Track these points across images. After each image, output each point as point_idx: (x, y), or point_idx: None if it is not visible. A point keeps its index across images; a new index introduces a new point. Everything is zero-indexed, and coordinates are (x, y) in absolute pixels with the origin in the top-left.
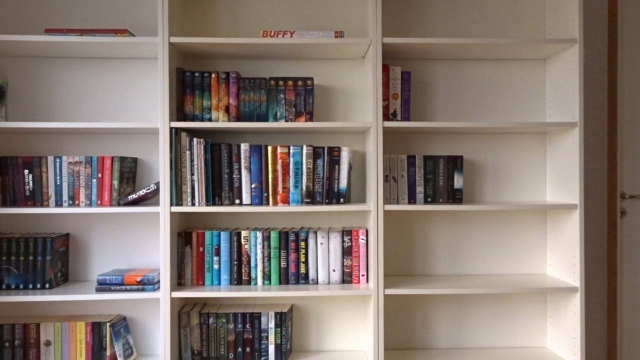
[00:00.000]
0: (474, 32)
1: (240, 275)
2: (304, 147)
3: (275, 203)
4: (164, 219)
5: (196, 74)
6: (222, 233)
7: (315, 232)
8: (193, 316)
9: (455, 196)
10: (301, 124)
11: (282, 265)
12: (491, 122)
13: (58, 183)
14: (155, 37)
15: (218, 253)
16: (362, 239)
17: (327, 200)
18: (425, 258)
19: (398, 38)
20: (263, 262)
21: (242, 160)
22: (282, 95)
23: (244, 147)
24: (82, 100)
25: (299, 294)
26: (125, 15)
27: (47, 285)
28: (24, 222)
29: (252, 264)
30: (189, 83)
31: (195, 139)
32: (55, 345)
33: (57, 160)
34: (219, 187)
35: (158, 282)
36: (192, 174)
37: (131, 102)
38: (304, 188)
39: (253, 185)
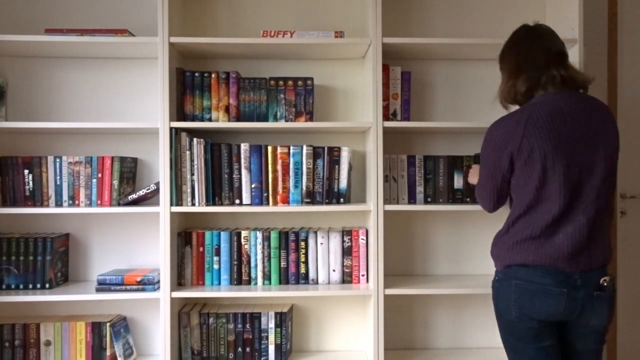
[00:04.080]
0: (474, 32)
1: (240, 275)
2: (304, 147)
3: (275, 203)
4: (164, 219)
5: (196, 74)
6: (222, 233)
7: (315, 232)
8: (193, 316)
9: (455, 196)
10: (301, 124)
11: (282, 265)
12: (491, 122)
13: (58, 183)
14: (155, 37)
15: (218, 253)
16: (362, 239)
17: (327, 200)
18: (425, 258)
19: (398, 38)
20: (263, 262)
21: (242, 160)
22: (282, 95)
23: (244, 147)
24: (82, 100)
25: (299, 294)
26: (125, 15)
27: (47, 285)
28: (24, 222)
29: (252, 264)
30: (189, 83)
31: (195, 139)
32: (55, 345)
33: (57, 160)
34: (219, 187)
35: (158, 282)
36: (192, 174)
37: (131, 102)
38: (304, 188)
39: (253, 185)
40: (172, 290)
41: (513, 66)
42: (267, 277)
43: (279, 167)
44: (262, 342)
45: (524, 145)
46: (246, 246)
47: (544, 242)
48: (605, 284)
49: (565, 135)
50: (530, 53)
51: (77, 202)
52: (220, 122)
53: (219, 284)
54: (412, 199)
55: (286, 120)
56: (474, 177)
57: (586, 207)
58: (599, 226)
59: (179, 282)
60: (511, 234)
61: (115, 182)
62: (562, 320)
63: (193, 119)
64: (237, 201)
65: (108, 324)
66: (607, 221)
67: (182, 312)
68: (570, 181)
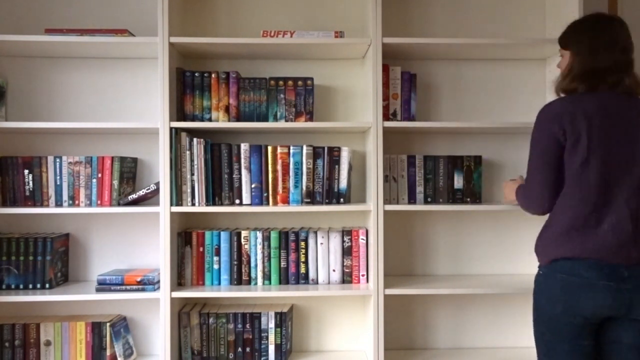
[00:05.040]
0: (474, 32)
1: (240, 275)
2: (304, 147)
3: (275, 203)
4: (164, 219)
5: (196, 74)
6: (222, 233)
7: (315, 232)
8: (193, 316)
9: (455, 196)
10: (301, 124)
11: (282, 265)
12: (491, 122)
13: (58, 183)
14: (155, 37)
15: (218, 253)
16: (362, 239)
17: (327, 200)
18: (425, 258)
19: (398, 38)
20: (263, 262)
21: (242, 160)
22: (282, 95)
23: (244, 147)
24: (82, 100)
25: (299, 294)
26: (125, 15)
27: (47, 285)
28: (24, 222)
29: (252, 264)
30: (189, 83)
31: (195, 139)
32: (55, 345)
33: (57, 160)
34: (219, 187)
35: (158, 282)
36: (192, 174)
37: (131, 102)
38: (304, 188)
39: (253, 185)
40: (172, 290)
41: (595, 45)
42: (267, 277)
43: (279, 167)
44: (262, 342)
45: (573, 126)
46: (246, 246)
47: (588, 233)
48: None
49: (606, 130)
50: (611, 47)
51: (77, 202)
52: (220, 122)
53: (219, 284)
54: (412, 199)
55: (286, 120)
56: (512, 193)
57: (628, 200)
58: None
59: (179, 282)
60: (554, 224)
61: (115, 182)
62: (610, 316)
63: (193, 119)
64: (237, 201)
65: (108, 324)
66: None
67: (182, 312)
68: (608, 174)
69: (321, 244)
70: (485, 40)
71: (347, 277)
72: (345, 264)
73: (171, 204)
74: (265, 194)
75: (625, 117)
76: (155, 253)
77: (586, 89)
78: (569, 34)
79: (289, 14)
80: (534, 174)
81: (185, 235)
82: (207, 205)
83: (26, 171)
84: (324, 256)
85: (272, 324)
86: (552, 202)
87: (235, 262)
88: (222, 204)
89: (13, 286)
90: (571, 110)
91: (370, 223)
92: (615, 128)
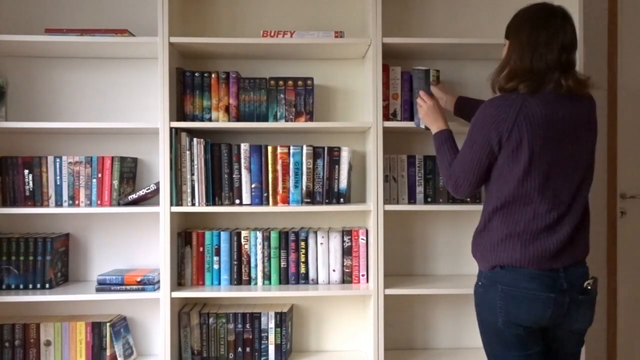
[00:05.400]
0: (474, 32)
1: (240, 275)
2: (304, 147)
3: (275, 203)
4: (164, 219)
5: (196, 74)
6: (222, 233)
7: (315, 232)
8: (193, 316)
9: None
10: (301, 124)
11: (282, 265)
12: None
13: (58, 183)
14: (155, 37)
15: (218, 253)
16: (362, 239)
17: (327, 200)
18: (425, 258)
19: (398, 38)
20: (263, 262)
21: (242, 160)
22: (282, 95)
23: (244, 147)
24: (82, 100)
25: (299, 294)
26: (125, 15)
27: (47, 285)
28: (24, 222)
29: (252, 264)
30: (189, 83)
31: (195, 139)
32: (55, 345)
33: (57, 160)
34: (219, 187)
35: (158, 282)
36: (192, 174)
37: (131, 102)
38: (304, 188)
39: (253, 185)
40: (172, 290)
41: (533, 43)
42: (267, 277)
43: (279, 167)
44: (262, 342)
45: (514, 133)
46: (246, 246)
47: (530, 240)
48: (589, 287)
49: (553, 133)
50: (550, 44)
51: (77, 202)
52: (220, 122)
53: (219, 284)
54: (412, 199)
55: (286, 120)
56: (428, 116)
57: (571, 207)
58: (582, 224)
59: (179, 282)
60: (493, 230)
61: (115, 182)
62: (548, 326)
63: (193, 119)
64: (237, 201)
65: (108, 324)
66: (588, 219)
67: (182, 312)
68: (554, 180)
69: (321, 244)
70: (485, 40)
71: (347, 277)
72: (345, 264)
73: (171, 204)
74: (265, 194)
75: (570, 122)
76: (155, 253)
77: (528, 91)
78: (510, 23)
79: (289, 14)
80: (467, 171)
81: (185, 235)
82: (207, 205)
83: (26, 171)
84: (324, 256)
85: (272, 324)
86: (474, 190)
87: (235, 262)
88: (222, 204)
89: (13, 286)
90: (513, 116)
91: (370, 223)
92: (559, 135)
